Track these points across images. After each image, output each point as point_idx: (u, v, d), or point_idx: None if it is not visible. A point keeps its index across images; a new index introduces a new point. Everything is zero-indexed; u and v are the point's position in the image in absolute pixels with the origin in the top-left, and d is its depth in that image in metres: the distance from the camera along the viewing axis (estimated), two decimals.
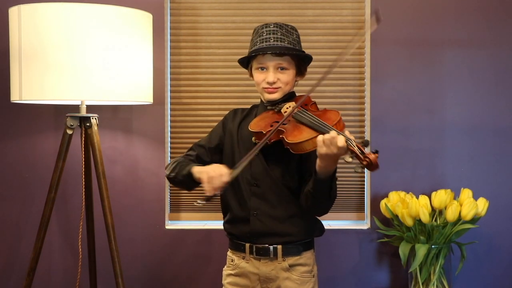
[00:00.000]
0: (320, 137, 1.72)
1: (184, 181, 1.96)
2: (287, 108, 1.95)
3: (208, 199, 1.81)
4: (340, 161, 1.76)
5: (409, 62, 2.74)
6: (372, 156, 1.66)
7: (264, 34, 1.96)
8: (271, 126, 1.88)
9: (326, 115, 1.86)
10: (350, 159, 1.71)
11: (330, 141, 1.70)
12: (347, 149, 1.70)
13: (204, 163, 2.02)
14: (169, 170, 2.01)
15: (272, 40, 1.95)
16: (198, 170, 1.89)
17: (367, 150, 1.70)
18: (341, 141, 1.69)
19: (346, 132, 1.73)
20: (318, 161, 1.77)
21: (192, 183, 1.94)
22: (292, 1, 2.78)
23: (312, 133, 1.79)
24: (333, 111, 1.89)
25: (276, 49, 1.93)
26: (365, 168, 1.68)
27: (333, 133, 1.71)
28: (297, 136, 1.81)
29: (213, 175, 1.81)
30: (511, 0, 2.73)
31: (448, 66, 2.74)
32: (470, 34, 2.73)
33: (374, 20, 1.78)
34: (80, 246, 2.43)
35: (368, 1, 2.74)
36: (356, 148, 1.69)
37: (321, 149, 1.72)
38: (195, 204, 1.83)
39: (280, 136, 1.85)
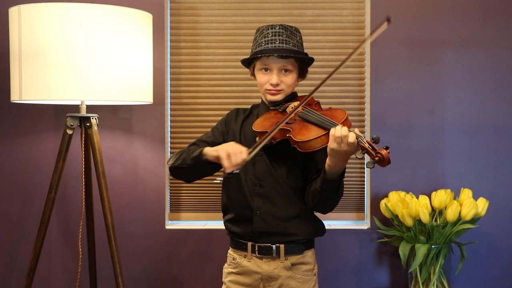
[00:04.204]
0: (332, 132, 1.73)
1: (193, 165, 1.92)
2: (292, 108, 1.96)
3: (228, 176, 1.79)
4: (356, 164, 1.77)
5: (409, 62, 2.74)
6: (384, 152, 1.69)
7: (269, 35, 1.96)
8: (276, 125, 1.89)
9: (333, 114, 1.88)
10: (361, 155, 1.73)
11: (341, 138, 1.71)
12: (358, 146, 1.72)
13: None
14: (173, 160, 1.98)
15: (277, 42, 1.95)
16: (213, 149, 1.85)
17: (378, 146, 1.72)
18: (352, 137, 1.71)
19: (356, 130, 1.75)
20: (327, 160, 1.79)
21: (202, 165, 1.89)
22: (292, 1, 2.78)
23: (320, 131, 1.81)
24: (339, 110, 1.91)
25: (282, 52, 1.93)
26: (377, 164, 1.70)
27: (344, 129, 1.72)
28: (305, 134, 1.82)
29: (232, 151, 1.78)
30: (511, 0, 2.73)
31: (448, 66, 2.74)
32: (470, 34, 2.73)
33: (385, 23, 1.79)
34: (80, 246, 2.43)
35: (368, 1, 2.74)
36: (367, 145, 1.71)
37: (332, 145, 1.73)
38: (215, 181, 1.79)
39: (287, 135, 1.86)
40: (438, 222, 2.48)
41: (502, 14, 2.73)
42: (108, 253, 2.41)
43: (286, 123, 1.88)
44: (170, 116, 2.80)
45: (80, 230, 2.42)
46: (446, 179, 2.75)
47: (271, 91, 1.99)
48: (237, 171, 1.79)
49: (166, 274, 2.79)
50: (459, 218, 2.46)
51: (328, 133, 1.77)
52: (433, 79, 2.74)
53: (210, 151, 1.87)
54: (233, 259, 2.06)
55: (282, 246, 1.98)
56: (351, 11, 2.78)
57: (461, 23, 2.73)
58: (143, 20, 2.36)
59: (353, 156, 1.75)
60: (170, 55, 2.78)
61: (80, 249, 2.44)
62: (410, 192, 2.62)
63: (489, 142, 2.74)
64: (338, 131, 1.72)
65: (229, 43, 2.78)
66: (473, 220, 2.49)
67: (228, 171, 1.79)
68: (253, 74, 2.06)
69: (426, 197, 2.50)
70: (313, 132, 1.82)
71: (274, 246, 1.98)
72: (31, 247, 2.42)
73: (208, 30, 2.79)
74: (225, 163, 1.78)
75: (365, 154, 1.73)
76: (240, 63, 2.23)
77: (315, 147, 1.81)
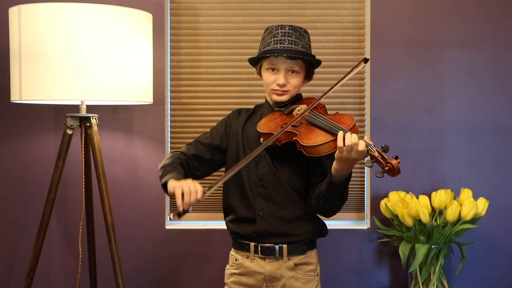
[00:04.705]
0: (341, 142, 1.72)
1: (163, 189, 1.91)
2: (298, 110, 1.95)
3: (180, 215, 1.76)
4: (357, 164, 1.76)
5: (409, 62, 2.74)
6: (394, 162, 1.68)
7: (279, 35, 1.96)
8: (282, 128, 1.88)
9: (340, 119, 1.86)
10: (371, 164, 1.72)
11: (351, 146, 1.71)
12: (367, 154, 1.71)
13: (203, 161, 2.04)
14: (162, 163, 1.97)
15: (287, 43, 1.94)
16: (172, 185, 1.82)
17: (387, 155, 1.71)
18: (362, 146, 1.70)
19: (365, 138, 1.75)
20: (334, 163, 1.78)
21: (167, 194, 1.88)
22: (292, 1, 2.78)
23: (328, 137, 1.79)
24: (347, 115, 1.89)
25: (291, 53, 1.92)
26: (386, 173, 1.69)
27: (354, 137, 1.71)
28: (313, 139, 1.81)
29: (186, 190, 1.76)
30: (511, 0, 2.73)
31: (448, 66, 2.74)
32: (470, 34, 2.73)
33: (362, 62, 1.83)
34: (80, 246, 2.43)
35: (368, 1, 2.74)
36: (376, 154, 1.70)
37: (341, 152, 1.73)
38: (168, 217, 1.76)
39: (294, 138, 1.85)
40: (438, 222, 2.48)
41: (502, 14, 2.73)
42: (108, 253, 2.41)
43: (292, 125, 1.87)
44: (170, 116, 2.80)
45: (80, 230, 2.42)
46: (446, 179, 2.75)
47: (277, 92, 1.98)
48: (188, 211, 1.77)
49: (166, 274, 2.79)
50: (459, 218, 2.46)
51: (336, 139, 1.75)
52: (433, 79, 2.74)
53: (170, 185, 1.83)
54: (236, 260, 2.05)
55: (285, 246, 1.98)
56: (351, 11, 2.78)
57: (461, 23, 2.73)
58: (143, 20, 2.36)
59: (363, 161, 1.74)
60: (170, 55, 2.78)
61: (80, 249, 2.44)
62: (410, 192, 2.62)
63: (489, 142, 2.74)
64: (348, 139, 1.71)
65: (229, 43, 2.78)
66: (473, 220, 2.49)
67: (179, 209, 1.76)
68: (259, 73, 2.06)
69: (426, 197, 2.50)
70: (321, 137, 1.80)
71: (277, 247, 1.98)
72: (31, 247, 2.42)
73: (208, 30, 2.79)
74: (178, 201, 1.77)
75: (374, 163, 1.72)
76: (239, 63, 2.25)
77: (323, 152, 1.80)
